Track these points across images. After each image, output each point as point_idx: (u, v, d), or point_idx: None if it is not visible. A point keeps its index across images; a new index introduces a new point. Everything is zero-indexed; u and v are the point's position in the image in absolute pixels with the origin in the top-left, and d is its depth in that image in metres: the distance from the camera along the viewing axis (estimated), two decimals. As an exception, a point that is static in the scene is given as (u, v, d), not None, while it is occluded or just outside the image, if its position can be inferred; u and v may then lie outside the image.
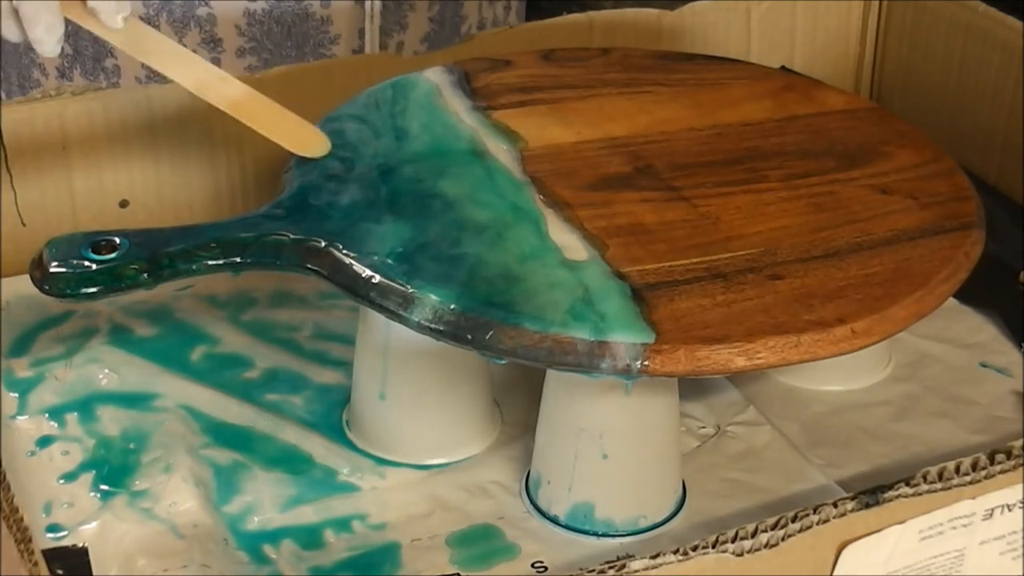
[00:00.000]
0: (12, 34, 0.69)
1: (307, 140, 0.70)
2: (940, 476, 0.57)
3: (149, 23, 0.96)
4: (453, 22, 1.06)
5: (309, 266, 0.64)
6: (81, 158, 0.83)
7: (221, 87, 0.71)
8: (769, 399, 0.76)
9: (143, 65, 0.97)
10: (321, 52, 0.84)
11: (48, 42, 0.68)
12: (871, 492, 0.56)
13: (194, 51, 0.97)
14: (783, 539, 0.54)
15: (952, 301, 0.78)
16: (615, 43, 0.92)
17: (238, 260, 0.64)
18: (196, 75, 0.71)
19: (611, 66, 0.81)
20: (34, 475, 0.70)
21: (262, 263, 0.64)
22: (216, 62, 0.98)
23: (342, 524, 0.68)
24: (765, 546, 0.54)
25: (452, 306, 0.60)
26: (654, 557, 0.53)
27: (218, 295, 0.82)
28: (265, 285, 0.83)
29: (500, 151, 0.72)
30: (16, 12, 0.68)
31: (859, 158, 0.73)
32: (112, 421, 0.73)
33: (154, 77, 1.00)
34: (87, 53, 0.99)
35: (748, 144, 0.74)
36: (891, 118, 0.78)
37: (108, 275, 0.62)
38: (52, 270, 0.62)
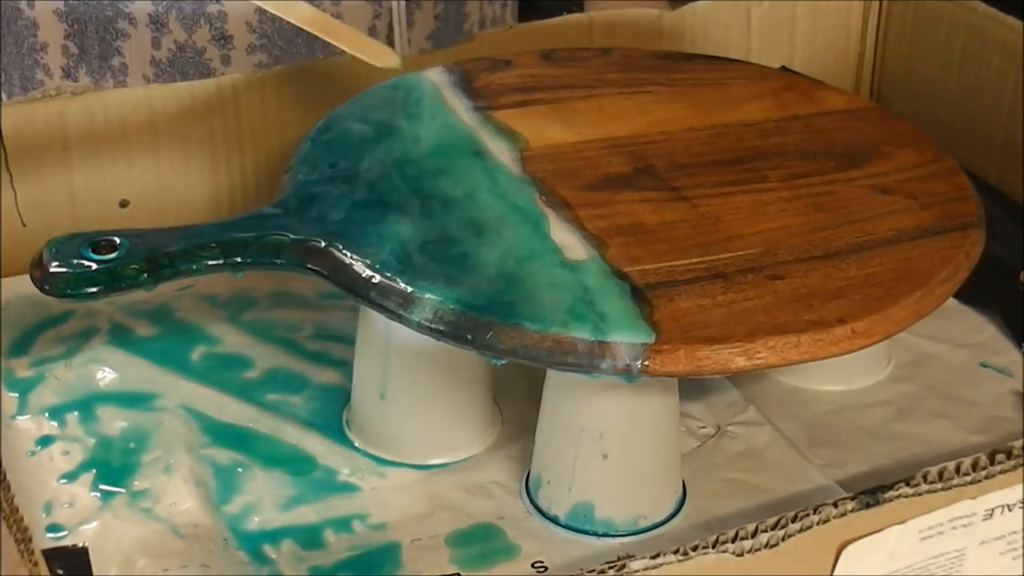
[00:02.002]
0: None
1: (380, 53, 0.75)
2: (940, 476, 0.57)
3: (158, 20, 0.95)
4: (456, 20, 1.06)
5: (309, 266, 0.64)
6: (81, 158, 0.83)
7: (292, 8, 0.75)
8: (769, 399, 0.76)
9: (151, 62, 0.96)
10: (330, 50, 0.84)
11: None
12: (871, 492, 0.56)
13: (203, 48, 0.97)
14: (783, 539, 0.54)
15: (952, 301, 0.78)
16: (615, 43, 0.92)
17: (238, 260, 0.64)
18: None
19: (611, 66, 0.81)
20: (34, 475, 0.70)
21: (262, 263, 0.64)
22: (226, 59, 0.97)
23: (342, 524, 0.68)
24: (765, 546, 0.54)
25: (452, 306, 0.60)
26: (654, 557, 0.53)
27: (218, 295, 0.82)
28: (265, 285, 0.83)
29: (500, 151, 0.72)
30: None
31: (859, 158, 0.73)
32: (112, 421, 0.73)
33: (159, 77, 1.00)
34: (93, 52, 0.98)
35: (748, 144, 0.74)
36: (891, 118, 0.78)
37: (108, 275, 0.62)
38: (52, 270, 0.61)
